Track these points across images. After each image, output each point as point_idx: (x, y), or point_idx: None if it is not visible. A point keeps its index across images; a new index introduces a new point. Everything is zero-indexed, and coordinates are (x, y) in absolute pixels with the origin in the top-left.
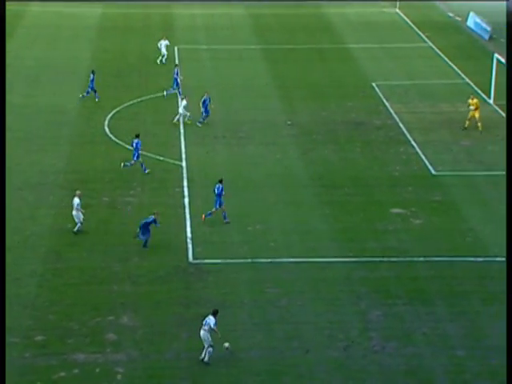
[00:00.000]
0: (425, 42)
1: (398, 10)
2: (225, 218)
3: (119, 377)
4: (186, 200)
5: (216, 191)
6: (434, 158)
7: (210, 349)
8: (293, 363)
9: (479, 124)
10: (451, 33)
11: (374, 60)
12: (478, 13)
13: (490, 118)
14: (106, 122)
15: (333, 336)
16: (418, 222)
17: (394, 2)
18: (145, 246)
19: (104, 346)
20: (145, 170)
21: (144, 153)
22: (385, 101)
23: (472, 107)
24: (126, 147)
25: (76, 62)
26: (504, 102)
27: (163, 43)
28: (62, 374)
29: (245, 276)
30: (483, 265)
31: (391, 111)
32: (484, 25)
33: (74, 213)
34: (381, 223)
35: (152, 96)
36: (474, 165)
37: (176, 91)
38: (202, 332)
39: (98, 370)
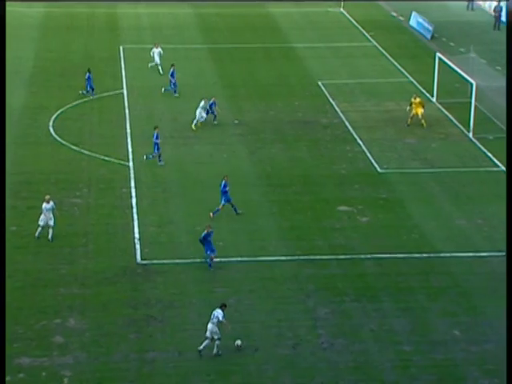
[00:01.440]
0: (369, 41)
1: (342, 10)
2: (235, 210)
3: (66, 380)
4: (134, 201)
5: (222, 188)
6: (379, 156)
7: (218, 342)
8: (242, 362)
9: (423, 121)
10: (395, 32)
11: (320, 59)
12: (420, 12)
13: (433, 116)
14: (51, 123)
15: (281, 334)
16: (364, 219)
17: (338, 2)
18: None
19: (51, 350)
20: (160, 161)
21: (90, 153)
22: (331, 100)
23: (413, 106)
24: (71, 148)
25: (19, 61)
26: (446, 100)
27: (156, 51)
28: (8, 378)
29: (193, 276)
30: (428, 260)
31: (337, 110)
32: (426, 24)
33: (46, 216)
34: (328, 221)
35: (97, 96)
36: (419, 162)
37: (172, 90)
38: (210, 325)
39: (44, 374)
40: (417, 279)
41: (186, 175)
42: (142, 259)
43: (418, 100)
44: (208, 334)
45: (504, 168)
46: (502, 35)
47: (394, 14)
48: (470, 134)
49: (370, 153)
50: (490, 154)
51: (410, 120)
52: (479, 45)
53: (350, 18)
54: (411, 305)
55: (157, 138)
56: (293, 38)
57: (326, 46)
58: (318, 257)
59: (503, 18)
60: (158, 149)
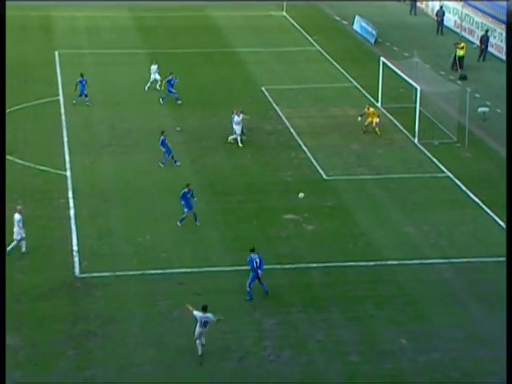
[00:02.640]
0: (313, 45)
1: (285, 14)
2: (195, 219)
3: None
4: (72, 211)
5: (184, 196)
6: (324, 163)
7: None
8: (187, 376)
9: (377, 129)
10: (338, 36)
11: (263, 64)
12: (363, 16)
13: (381, 123)
14: None
15: (227, 347)
16: (310, 227)
17: (280, 5)
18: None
19: None
20: (175, 162)
21: (25, 163)
22: (275, 105)
23: (366, 115)
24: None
25: None
26: (391, 105)
27: (153, 68)
28: None
29: (135, 289)
30: (375, 269)
31: (282, 116)
32: (370, 28)
33: (16, 229)
34: (274, 230)
35: (32, 103)
36: (365, 169)
37: (174, 96)
38: (199, 329)
39: None
40: (364, 288)
41: (126, 184)
42: (80, 272)
43: (371, 110)
44: (199, 337)
45: (450, 174)
46: (445, 40)
47: (338, 18)
48: (416, 140)
49: (315, 159)
50: (435, 160)
51: (365, 128)
52: (423, 49)
53: (292, 21)
54: (359, 314)
55: (163, 142)
56: (235, 43)
57: (268, 50)
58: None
59: (446, 23)
60: (169, 152)
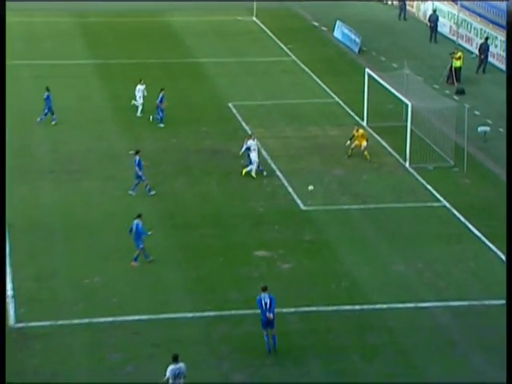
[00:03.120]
0: (287, 55)
1: (255, 19)
2: (146, 257)
3: None
4: (6, 249)
5: (135, 229)
6: (302, 191)
7: None
8: None
9: (366, 153)
10: (317, 45)
11: (230, 77)
12: (345, 22)
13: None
14: None
15: None
16: (286, 266)
17: (250, 9)
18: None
19: None
20: (149, 190)
21: None
22: (244, 124)
23: (354, 138)
24: None
25: None
26: (378, 124)
27: (140, 89)
28: None
29: (81, 340)
30: (362, 314)
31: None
32: (353, 36)
33: None
34: (244, 269)
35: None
36: (348, 197)
37: (158, 119)
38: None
39: None
40: (349, 336)
41: (71, 217)
42: (16, 321)
43: (360, 132)
44: None
45: (446, 203)
46: (439, 48)
47: (316, 24)
48: (407, 164)
49: (292, 187)
50: (429, 187)
51: (350, 151)
52: (414, 59)
53: (264, 27)
54: (344, 366)
55: (139, 164)
56: (198, 52)
57: (236, 60)
58: (232, 312)
59: (440, 29)
60: (140, 177)
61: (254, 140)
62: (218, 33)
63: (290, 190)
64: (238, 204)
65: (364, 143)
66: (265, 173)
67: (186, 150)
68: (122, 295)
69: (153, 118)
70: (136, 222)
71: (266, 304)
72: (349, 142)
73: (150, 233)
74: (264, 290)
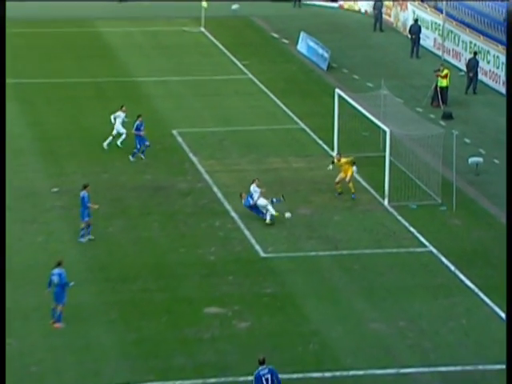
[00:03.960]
0: (243, 73)
1: (203, 30)
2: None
3: None
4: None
5: (57, 281)
6: (262, 235)
7: None
8: None
9: (351, 185)
10: (278, 60)
11: (175, 98)
12: (311, 33)
13: (334, 177)
14: None
15: None
16: (243, 325)
17: (198, 19)
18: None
19: None
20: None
21: None
22: (192, 156)
23: (338, 166)
24: None
25: None
26: (352, 155)
27: (119, 115)
28: None
29: None
30: (334, 381)
31: (201, 170)
32: (321, 50)
33: None
34: (192, 329)
35: None
36: (317, 242)
37: (140, 153)
38: None
39: None
40: None
41: None
42: None
43: (343, 161)
44: None
45: (433, 248)
46: (422, 65)
47: (276, 36)
48: (386, 202)
49: (249, 230)
50: (412, 229)
51: (338, 186)
52: (393, 78)
53: (214, 40)
54: None
55: (86, 200)
56: (136, 70)
57: (182, 79)
58: (178, 382)
59: (423, 42)
60: (87, 215)
61: (255, 185)
62: (160, 46)
63: (247, 233)
64: (185, 251)
65: (350, 173)
66: (282, 198)
67: (122, 187)
68: (43, 363)
69: (141, 151)
70: (57, 271)
71: (267, 380)
72: (331, 167)
73: (72, 283)
74: (262, 362)
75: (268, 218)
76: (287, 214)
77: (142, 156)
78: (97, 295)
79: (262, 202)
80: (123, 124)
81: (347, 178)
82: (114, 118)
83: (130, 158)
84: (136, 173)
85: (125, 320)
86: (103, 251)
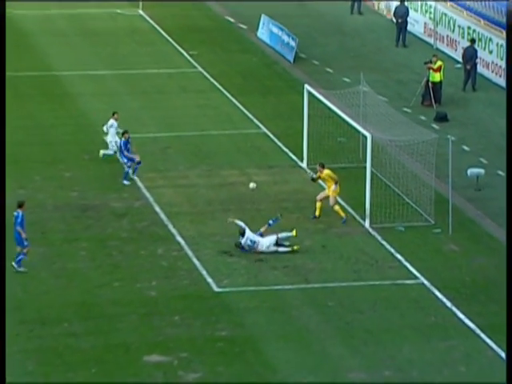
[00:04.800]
0: (191, 65)
1: (141, 12)
2: None
3: None
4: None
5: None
6: (215, 264)
7: None
8: None
9: (337, 208)
10: (233, 50)
11: (106, 97)
12: (274, 17)
13: (303, 192)
14: None
15: None
16: (192, 376)
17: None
18: None
19: None
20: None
21: None
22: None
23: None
24: None
25: None
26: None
27: (112, 124)
28: None
29: None
30: None
31: (140, 185)
32: (286, 37)
33: None
34: (129, 382)
35: None
36: (283, 273)
37: (131, 171)
38: None
39: None
40: None
41: None
42: None
43: (325, 173)
44: None
45: (424, 279)
46: (410, 55)
47: (231, 20)
48: (366, 223)
49: (199, 259)
50: (399, 257)
51: (318, 206)
52: (374, 71)
53: (155, 25)
54: None
55: (21, 223)
56: (57, 62)
57: (115, 74)
58: None
59: (411, 27)
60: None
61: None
62: (87, 33)
63: (197, 263)
64: (120, 286)
65: (331, 194)
66: (279, 215)
67: (41, 207)
68: None
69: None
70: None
71: None
72: (313, 176)
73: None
74: None
75: (286, 248)
76: (252, 185)
77: (134, 176)
78: (10, 341)
79: (266, 241)
80: (118, 134)
81: (330, 200)
82: (107, 128)
83: (124, 182)
84: (59, 189)
85: (45, 372)
86: (18, 286)
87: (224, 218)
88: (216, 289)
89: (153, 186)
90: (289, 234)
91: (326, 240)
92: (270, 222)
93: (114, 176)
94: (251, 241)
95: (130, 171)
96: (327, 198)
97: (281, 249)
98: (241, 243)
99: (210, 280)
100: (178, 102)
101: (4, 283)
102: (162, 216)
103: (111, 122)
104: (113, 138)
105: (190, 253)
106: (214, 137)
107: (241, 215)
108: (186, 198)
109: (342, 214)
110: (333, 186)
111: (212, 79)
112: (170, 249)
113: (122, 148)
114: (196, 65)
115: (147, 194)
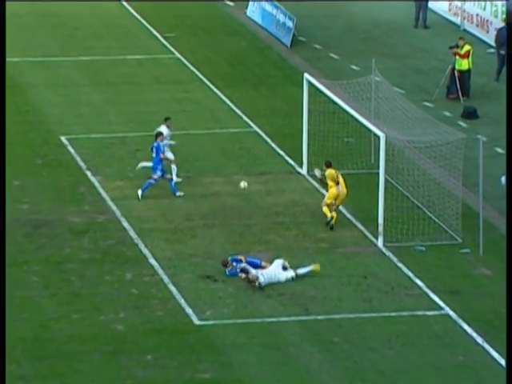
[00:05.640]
0: (167, 50)
1: None
2: None
3: None
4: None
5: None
6: (196, 292)
7: None
8: None
9: (334, 214)
10: (219, 32)
11: (63, 89)
12: None
13: (303, 206)
14: None
15: None
16: None
17: None
18: None
19: None
20: None
21: None
22: (90, 174)
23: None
24: None
25: None
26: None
27: (166, 132)
28: None
29: None
30: None
31: (105, 196)
32: (282, 16)
33: None
34: None
35: None
36: (278, 302)
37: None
38: None
39: None
40: None
41: None
42: None
43: (329, 172)
44: None
45: (450, 310)
46: (433, 38)
47: None
48: (379, 241)
49: (176, 285)
50: (420, 283)
51: (333, 214)
52: (389, 58)
53: (123, 2)
54: None
55: None
56: (8, 48)
57: (75, 60)
58: None
59: (432, 5)
60: None
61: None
62: (40, 12)
63: (174, 290)
64: (81, 318)
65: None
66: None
67: None
68: None
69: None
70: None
71: None
72: (317, 173)
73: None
74: None
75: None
76: (242, 184)
77: (177, 193)
78: None
79: (283, 276)
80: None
81: (336, 205)
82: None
83: (176, 193)
84: (7, 201)
85: None
86: None
87: (206, 236)
88: (197, 321)
89: (120, 196)
90: (309, 268)
91: (331, 262)
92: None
93: (73, 185)
94: (269, 276)
95: (154, 183)
96: (333, 206)
97: (300, 271)
98: (260, 284)
99: (189, 311)
100: (150, 95)
101: (4, 282)
102: (132, 233)
103: (163, 129)
104: (168, 155)
105: (165, 278)
106: (194, 137)
107: (227, 232)
108: (161, 212)
109: (328, 215)
110: (338, 188)
111: (192, 67)
112: (141, 273)
113: (157, 151)
114: (173, 50)
115: (113, 207)
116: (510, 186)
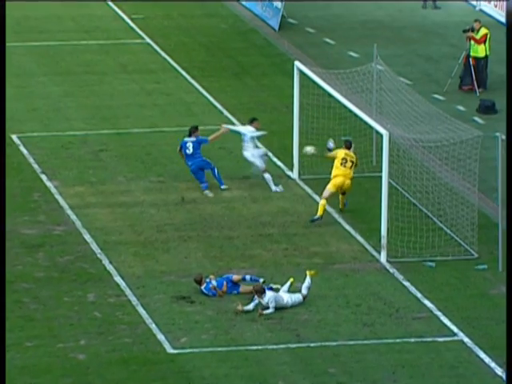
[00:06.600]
0: (135, 34)
1: None
2: None
3: None
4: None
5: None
6: (170, 315)
7: None
8: None
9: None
10: (195, 14)
11: (13, 79)
12: None
13: (295, 213)
14: None
15: None
16: None
17: None
18: None
19: None
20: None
21: None
22: (45, 178)
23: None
24: None
25: None
26: (324, 176)
27: (254, 135)
28: None
29: None
30: None
31: (63, 203)
32: None
33: None
34: None
35: None
36: (264, 327)
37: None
38: None
39: None
40: None
41: None
42: None
43: (343, 153)
44: None
45: (465, 336)
46: (442, 20)
47: None
48: (382, 256)
49: (146, 308)
50: (429, 304)
51: (340, 198)
52: (393, 43)
53: None
54: None
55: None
56: None
57: (27, 46)
58: None
59: None
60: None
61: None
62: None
63: (144, 313)
64: (35, 346)
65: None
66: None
67: None
68: None
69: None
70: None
71: None
72: (312, 150)
73: None
74: None
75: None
76: (309, 149)
77: (222, 186)
78: None
79: (290, 299)
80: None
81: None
82: (250, 141)
83: (222, 186)
84: None
85: None
86: None
87: (182, 249)
88: (170, 350)
89: (81, 204)
90: (308, 280)
91: (326, 280)
92: (247, 277)
93: (26, 191)
94: (276, 301)
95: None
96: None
97: (304, 290)
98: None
99: (161, 337)
100: (116, 86)
101: (4, 281)
102: (94, 247)
103: (250, 130)
104: (255, 152)
105: (133, 299)
106: (166, 135)
107: (205, 246)
108: (129, 222)
109: (320, 213)
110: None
111: (164, 54)
112: (105, 293)
113: (198, 149)
114: (142, 34)
115: (73, 217)
116: (509, 188)
